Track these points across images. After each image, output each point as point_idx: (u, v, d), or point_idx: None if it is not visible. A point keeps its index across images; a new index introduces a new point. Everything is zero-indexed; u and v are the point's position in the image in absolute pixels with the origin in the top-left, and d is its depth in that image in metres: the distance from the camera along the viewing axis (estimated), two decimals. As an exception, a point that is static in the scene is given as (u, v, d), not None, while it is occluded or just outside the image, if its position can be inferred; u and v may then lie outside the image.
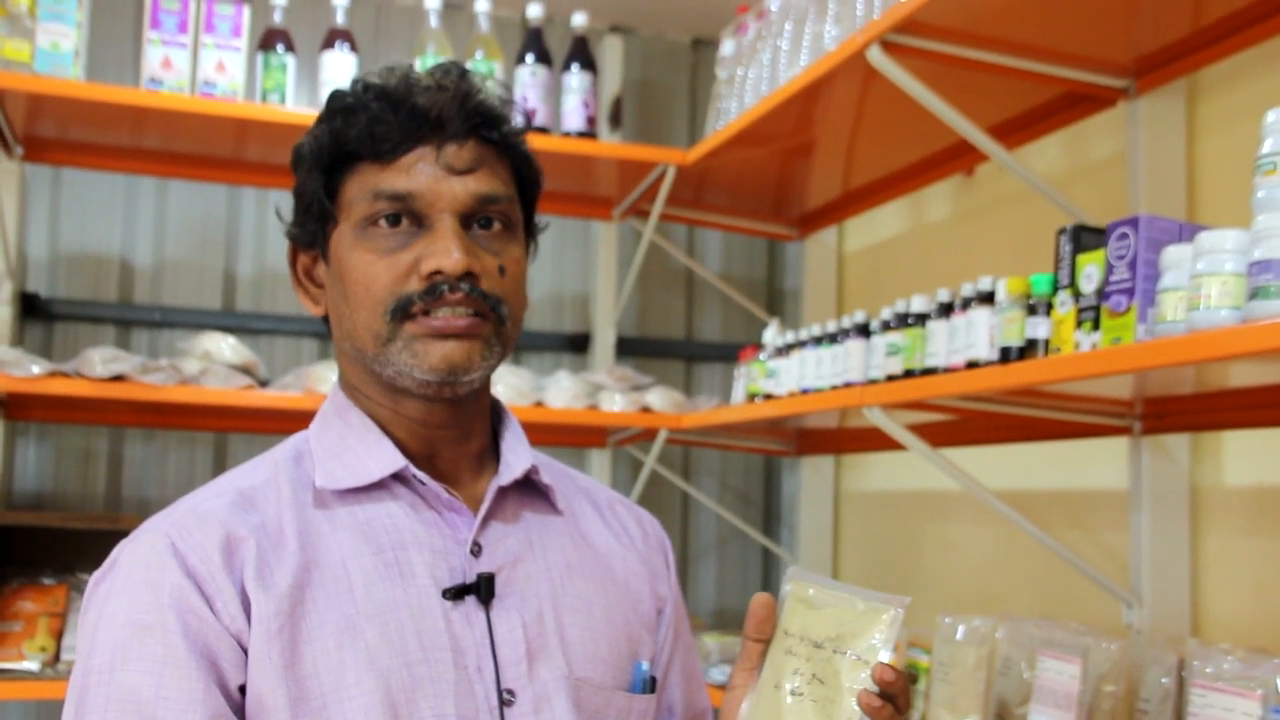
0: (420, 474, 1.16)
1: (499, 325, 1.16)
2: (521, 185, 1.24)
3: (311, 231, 1.20)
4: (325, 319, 1.24)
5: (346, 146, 1.15)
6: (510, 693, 1.12)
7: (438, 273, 1.12)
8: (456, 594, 1.13)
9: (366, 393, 1.20)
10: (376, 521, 1.15)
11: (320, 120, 1.19)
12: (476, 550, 1.17)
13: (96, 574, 1.11)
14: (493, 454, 1.25)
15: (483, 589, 1.14)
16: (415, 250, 1.14)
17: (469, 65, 2.84)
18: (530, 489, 1.26)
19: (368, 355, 1.16)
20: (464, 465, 1.22)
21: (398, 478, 1.18)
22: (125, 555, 1.10)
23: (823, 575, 1.16)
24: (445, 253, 1.12)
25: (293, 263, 1.24)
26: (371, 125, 1.14)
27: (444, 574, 1.14)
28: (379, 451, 1.17)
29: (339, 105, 1.17)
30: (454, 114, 1.15)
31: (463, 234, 1.14)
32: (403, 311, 1.13)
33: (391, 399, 1.19)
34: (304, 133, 1.22)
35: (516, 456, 1.23)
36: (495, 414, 1.28)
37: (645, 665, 1.24)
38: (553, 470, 1.32)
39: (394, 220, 1.14)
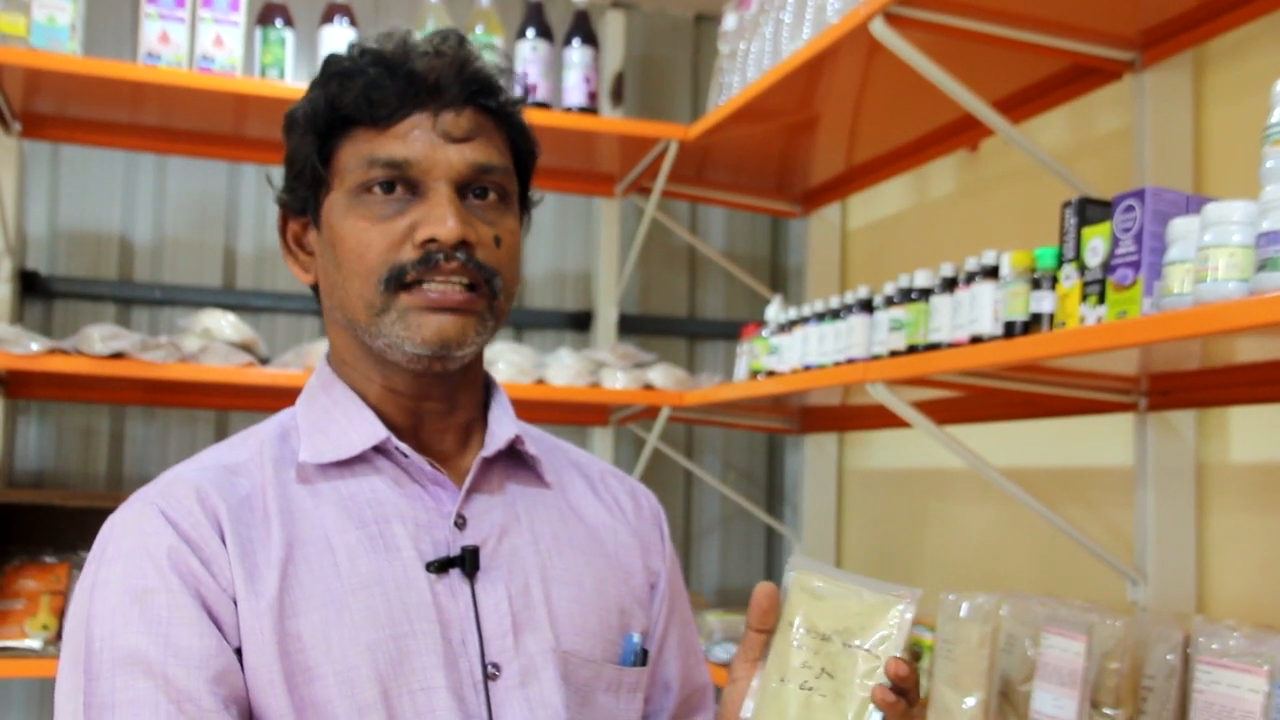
0: (403, 446, 1.15)
1: (492, 299, 1.15)
2: (518, 157, 1.22)
3: (303, 197, 1.18)
4: (314, 288, 1.23)
5: (342, 111, 1.14)
6: (496, 666, 1.12)
7: (432, 241, 1.11)
8: (440, 567, 1.12)
9: (354, 364, 1.19)
10: (360, 495, 1.14)
11: (315, 84, 1.17)
12: (461, 523, 1.16)
13: (90, 554, 1.10)
14: (481, 427, 1.24)
15: (467, 562, 1.13)
16: (410, 217, 1.12)
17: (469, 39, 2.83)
18: (519, 462, 1.25)
19: (359, 325, 1.15)
20: (450, 438, 1.21)
21: (381, 451, 1.17)
22: (116, 528, 1.09)
23: (826, 563, 1.14)
24: (440, 221, 1.11)
25: (283, 230, 1.23)
26: (368, 90, 1.12)
27: (428, 547, 1.13)
28: (361, 424, 1.16)
29: (335, 69, 1.16)
30: (451, 80, 1.14)
31: (458, 202, 1.13)
32: (397, 281, 1.12)
33: (380, 371, 1.18)
34: None
35: (501, 427, 1.22)
36: (485, 388, 1.27)
37: (636, 638, 1.23)
38: (542, 443, 1.31)
39: (388, 187, 1.13)
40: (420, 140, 1.13)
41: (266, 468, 1.14)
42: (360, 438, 1.15)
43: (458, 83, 1.14)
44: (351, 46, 1.17)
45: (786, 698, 1.06)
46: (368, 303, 1.13)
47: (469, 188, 1.15)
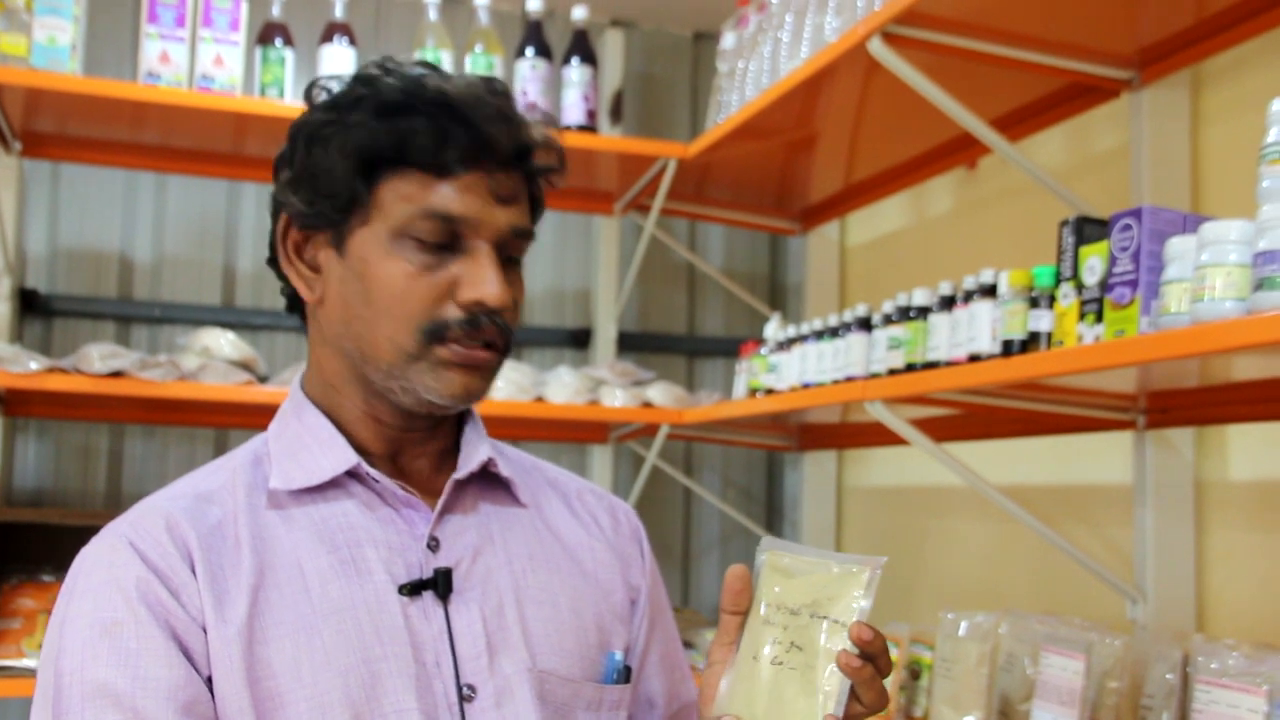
0: (373, 471, 1.15)
1: (504, 355, 1.17)
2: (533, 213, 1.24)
3: (326, 217, 1.14)
4: (302, 305, 1.20)
5: (408, 156, 1.11)
6: (470, 688, 1.11)
7: (479, 304, 1.11)
8: (413, 589, 1.12)
9: (341, 389, 1.18)
10: (332, 520, 1.14)
11: (357, 107, 1.12)
12: (434, 545, 1.16)
13: (62, 588, 1.10)
14: (455, 450, 1.24)
15: (440, 584, 1.13)
16: (451, 272, 1.12)
17: (468, 59, 2.85)
18: (493, 483, 1.25)
19: (379, 363, 1.13)
20: (426, 462, 1.22)
21: (353, 475, 1.16)
22: (86, 561, 1.09)
23: (797, 543, 1.15)
24: (487, 284, 1.11)
25: (283, 237, 1.18)
26: (438, 139, 1.10)
27: (401, 570, 1.13)
28: (331, 450, 1.16)
29: (390, 101, 1.11)
30: (509, 143, 1.14)
31: (499, 265, 1.13)
32: (437, 335, 1.11)
33: (368, 400, 1.17)
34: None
35: (474, 449, 1.22)
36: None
37: (619, 655, 1.22)
38: (518, 463, 1.31)
39: (435, 238, 1.12)
40: (476, 198, 1.12)
41: (239, 494, 1.14)
42: (330, 463, 1.15)
43: (512, 145, 1.14)
44: (394, 72, 1.14)
45: (759, 673, 1.06)
46: (399, 347, 1.11)
47: (504, 249, 1.15)
